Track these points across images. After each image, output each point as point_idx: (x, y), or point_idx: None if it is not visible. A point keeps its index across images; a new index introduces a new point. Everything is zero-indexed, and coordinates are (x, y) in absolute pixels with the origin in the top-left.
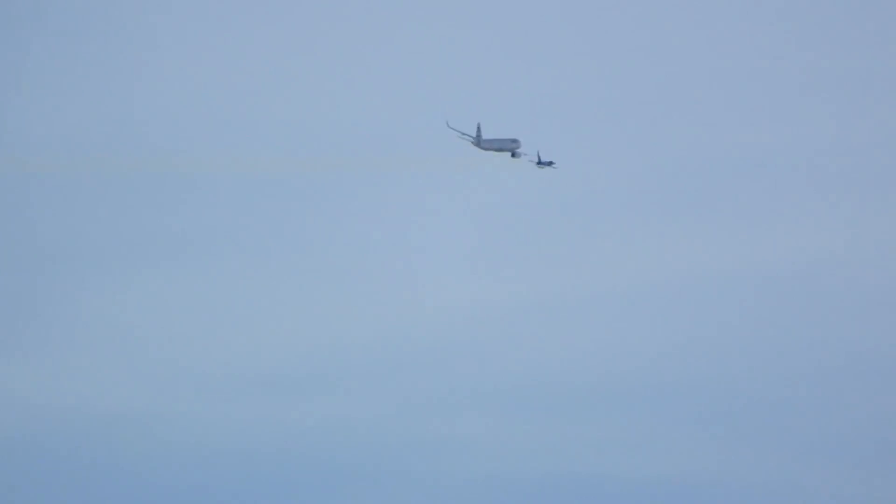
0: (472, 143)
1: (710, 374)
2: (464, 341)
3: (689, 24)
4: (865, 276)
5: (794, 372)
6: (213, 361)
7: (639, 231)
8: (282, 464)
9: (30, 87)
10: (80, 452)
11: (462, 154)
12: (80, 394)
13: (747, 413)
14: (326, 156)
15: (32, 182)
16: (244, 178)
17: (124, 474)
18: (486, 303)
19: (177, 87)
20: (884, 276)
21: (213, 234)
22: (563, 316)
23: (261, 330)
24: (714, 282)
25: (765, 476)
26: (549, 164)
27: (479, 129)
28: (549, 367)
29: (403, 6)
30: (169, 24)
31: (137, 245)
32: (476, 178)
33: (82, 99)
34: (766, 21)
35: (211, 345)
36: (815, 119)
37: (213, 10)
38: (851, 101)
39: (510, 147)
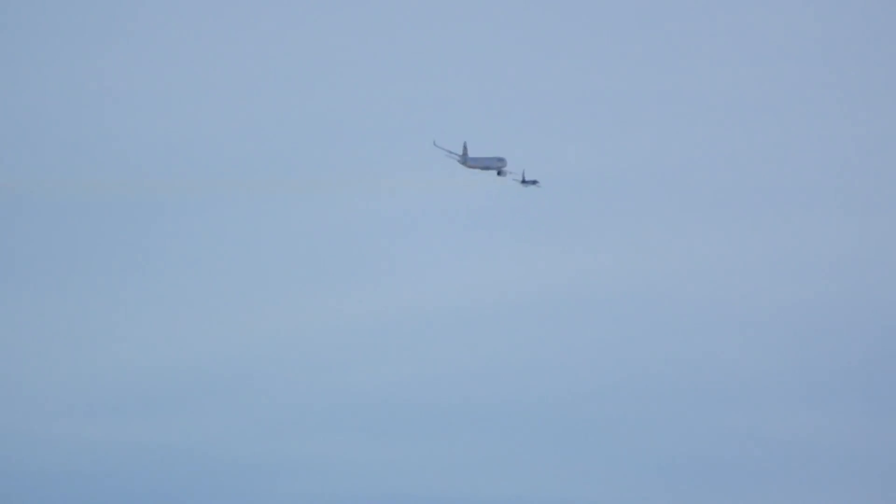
0: (459, 161)
1: (563, 393)
2: (311, 361)
3: (669, 44)
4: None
5: (641, 392)
6: (67, 381)
7: (490, 249)
8: (135, 483)
9: None
10: None
11: (448, 172)
12: None
13: (601, 433)
14: (312, 174)
15: None
16: (223, 197)
17: None
18: (334, 323)
19: (160, 104)
20: (744, 292)
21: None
22: (411, 335)
23: (112, 350)
24: (572, 299)
25: (614, 497)
26: (534, 182)
27: (465, 147)
28: (395, 387)
29: (391, 26)
30: (144, 35)
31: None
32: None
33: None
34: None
35: (67, 364)
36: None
37: (201, 21)
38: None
39: (496, 165)
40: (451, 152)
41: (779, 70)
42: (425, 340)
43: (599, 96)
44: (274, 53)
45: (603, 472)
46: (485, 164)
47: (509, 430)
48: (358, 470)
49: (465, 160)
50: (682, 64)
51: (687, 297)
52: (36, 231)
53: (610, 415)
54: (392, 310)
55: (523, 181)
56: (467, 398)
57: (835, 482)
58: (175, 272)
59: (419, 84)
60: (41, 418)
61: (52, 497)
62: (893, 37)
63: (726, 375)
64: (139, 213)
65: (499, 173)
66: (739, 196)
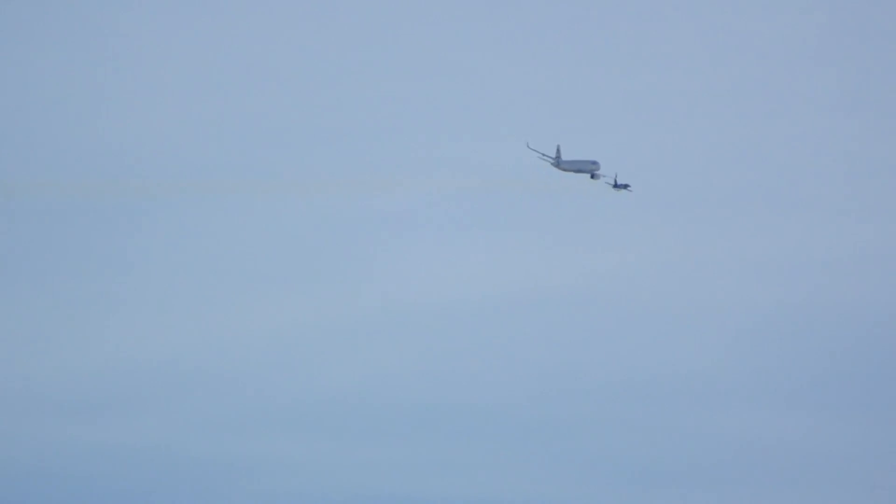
0: (552, 164)
1: (563, 393)
2: (275, 361)
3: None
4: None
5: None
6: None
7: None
8: (119, 483)
9: None
10: None
11: (542, 175)
12: None
13: (557, 435)
14: (402, 174)
15: None
16: (314, 198)
17: None
18: (294, 324)
19: (167, 105)
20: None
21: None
22: (371, 338)
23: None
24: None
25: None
26: (625, 186)
27: (558, 150)
28: (358, 388)
29: (487, 33)
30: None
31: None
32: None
33: None
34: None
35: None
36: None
37: (213, 20)
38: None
39: (589, 169)
40: (544, 155)
41: (785, 71)
42: (434, 340)
43: (693, 100)
44: (363, 57)
45: (601, 472)
46: (578, 168)
47: (507, 430)
48: (356, 470)
49: (559, 163)
50: (685, 66)
51: (694, 298)
52: (22, 231)
53: (609, 415)
54: (395, 309)
55: (615, 185)
56: (473, 399)
57: (833, 484)
58: (196, 273)
59: (515, 87)
60: (35, 418)
61: (40, 496)
62: (893, 37)
63: (729, 377)
64: (138, 213)
65: (592, 177)
66: (757, 198)
